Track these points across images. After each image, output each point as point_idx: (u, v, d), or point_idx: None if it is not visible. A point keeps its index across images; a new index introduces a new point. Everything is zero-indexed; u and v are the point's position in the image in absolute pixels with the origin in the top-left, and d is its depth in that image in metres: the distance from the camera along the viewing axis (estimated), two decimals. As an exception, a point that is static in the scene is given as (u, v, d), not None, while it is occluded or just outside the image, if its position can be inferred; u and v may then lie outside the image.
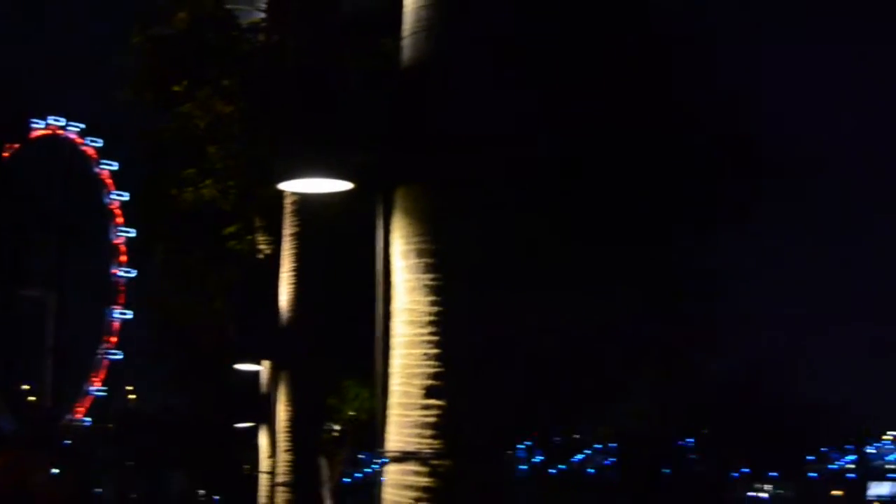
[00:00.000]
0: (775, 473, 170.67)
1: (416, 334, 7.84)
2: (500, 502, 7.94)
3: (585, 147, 22.63)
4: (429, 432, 7.56)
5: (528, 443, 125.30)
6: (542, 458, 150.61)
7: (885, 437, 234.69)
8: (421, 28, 8.05)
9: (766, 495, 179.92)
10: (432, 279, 7.80)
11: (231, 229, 26.50)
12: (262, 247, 25.53)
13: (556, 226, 21.95)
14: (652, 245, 25.74)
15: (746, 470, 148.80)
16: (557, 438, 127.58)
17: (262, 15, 23.24)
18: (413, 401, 7.72)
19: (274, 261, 21.01)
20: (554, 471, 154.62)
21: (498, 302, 8.28)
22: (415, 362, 7.80)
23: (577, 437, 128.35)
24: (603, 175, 23.40)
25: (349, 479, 61.75)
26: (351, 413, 34.51)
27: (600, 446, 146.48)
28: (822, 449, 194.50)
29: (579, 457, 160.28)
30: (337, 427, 37.84)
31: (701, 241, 28.88)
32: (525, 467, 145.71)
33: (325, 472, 33.77)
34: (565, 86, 22.44)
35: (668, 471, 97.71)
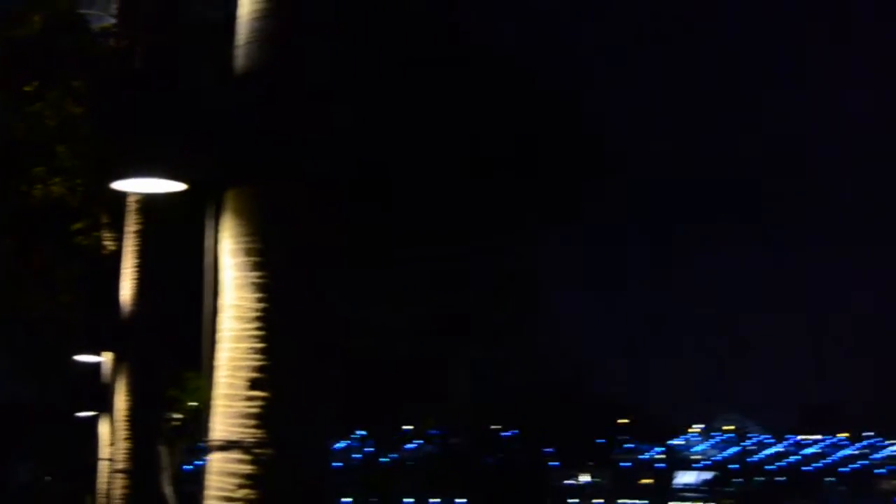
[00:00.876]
0: (591, 463, 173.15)
1: (242, 329, 7.84)
2: (320, 489, 7.96)
3: (405, 153, 22.97)
4: (252, 422, 7.55)
5: (362, 433, 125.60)
6: (372, 448, 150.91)
7: (690, 430, 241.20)
8: (253, 39, 8.10)
9: (583, 481, 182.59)
10: (259, 277, 7.83)
11: (78, 225, 25.97)
12: (107, 243, 25.21)
13: (377, 229, 22.15)
14: (475, 249, 25.49)
15: (555, 463, 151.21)
16: (391, 429, 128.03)
17: (114, 20, 22.77)
18: (238, 392, 7.70)
19: (118, 257, 20.86)
20: (385, 459, 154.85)
21: (322, 300, 8.37)
22: (240, 356, 7.80)
23: (410, 427, 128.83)
24: (425, 180, 23.46)
25: (190, 467, 61.15)
26: (192, 403, 33.70)
27: (431, 434, 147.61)
28: (633, 443, 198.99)
29: (410, 446, 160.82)
30: (178, 416, 37.36)
31: (526, 245, 28.43)
32: (359, 456, 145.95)
33: (164, 459, 33.34)
34: (386, 95, 22.75)
35: (490, 460, 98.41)
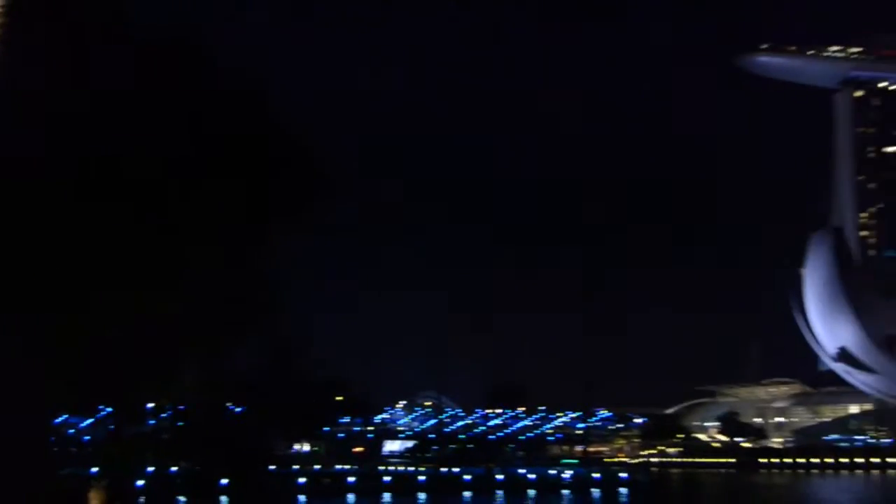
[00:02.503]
0: (310, 434, 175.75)
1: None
2: (39, 461, 9.21)
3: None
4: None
5: (109, 409, 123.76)
6: (113, 423, 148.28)
7: (397, 405, 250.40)
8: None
9: (302, 449, 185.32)
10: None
11: None
12: None
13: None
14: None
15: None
16: (134, 405, 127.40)
17: None
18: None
19: None
20: (130, 433, 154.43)
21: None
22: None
23: (154, 405, 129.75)
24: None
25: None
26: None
27: (169, 413, 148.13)
28: (347, 417, 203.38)
29: (152, 422, 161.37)
30: None
31: (265, 247, 25.92)
32: (112, 427, 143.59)
33: None
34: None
35: (216, 435, 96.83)
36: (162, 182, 20.86)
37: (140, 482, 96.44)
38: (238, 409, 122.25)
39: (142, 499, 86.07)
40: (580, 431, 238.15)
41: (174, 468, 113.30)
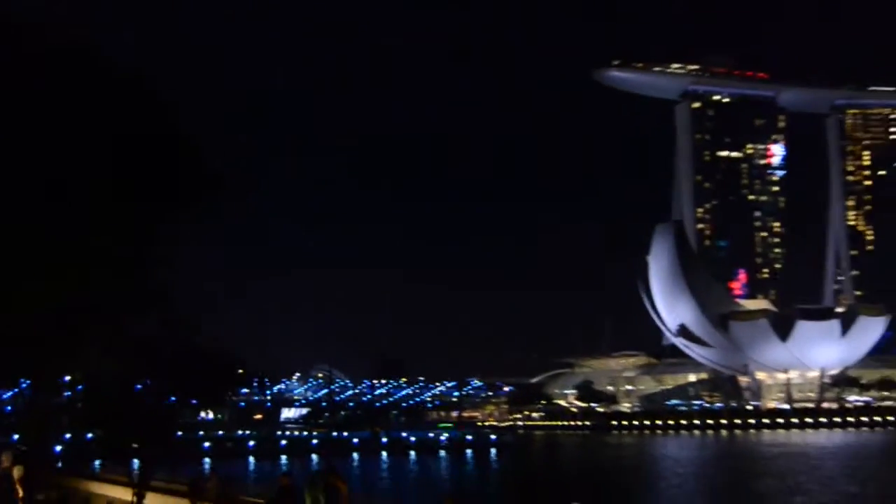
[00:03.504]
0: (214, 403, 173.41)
1: None
2: None
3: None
4: None
5: (28, 381, 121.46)
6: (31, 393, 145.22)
7: (292, 377, 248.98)
8: None
9: (207, 417, 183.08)
10: None
11: None
12: None
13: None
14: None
15: (193, 401, 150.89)
16: (52, 378, 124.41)
17: None
18: None
19: None
20: (48, 403, 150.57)
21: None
22: None
23: (70, 378, 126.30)
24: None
25: None
26: None
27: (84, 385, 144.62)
28: (248, 388, 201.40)
29: (68, 393, 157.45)
30: None
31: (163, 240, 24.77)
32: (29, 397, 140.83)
33: None
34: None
35: (127, 405, 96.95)
36: (64, 181, 19.92)
37: (58, 448, 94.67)
38: (148, 382, 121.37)
39: (59, 463, 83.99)
40: (455, 399, 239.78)
41: (89, 435, 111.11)
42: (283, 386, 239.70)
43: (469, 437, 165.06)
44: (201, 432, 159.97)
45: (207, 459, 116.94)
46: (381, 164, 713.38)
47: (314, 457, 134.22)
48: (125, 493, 38.00)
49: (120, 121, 20.73)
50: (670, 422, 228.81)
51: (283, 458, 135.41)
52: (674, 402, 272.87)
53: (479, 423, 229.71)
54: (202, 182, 21.62)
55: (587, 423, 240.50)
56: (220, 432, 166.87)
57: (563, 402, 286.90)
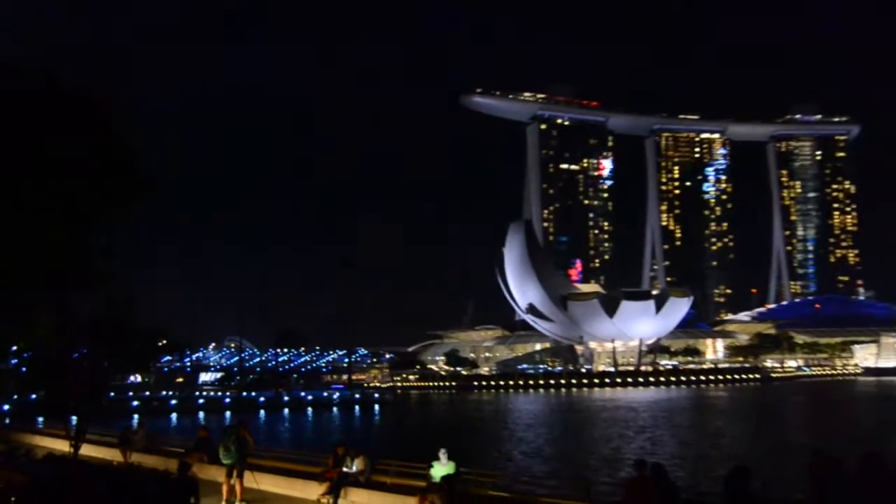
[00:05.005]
0: (141, 368, 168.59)
1: None
2: None
3: None
4: None
5: None
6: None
7: (209, 346, 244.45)
8: None
9: (135, 380, 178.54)
10: None
11: None
12: None
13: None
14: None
15: (124, 367, 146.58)
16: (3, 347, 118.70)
17: None
18: None
19: None
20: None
21: None
22: None
23: (16, 347, 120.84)
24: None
25: None
26: None
27: (29, 353, 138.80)
28: (171, 355, 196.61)
29: (15, 361, 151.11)
30: None
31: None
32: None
33: None
34: None
35: (66, 370, 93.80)
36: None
37: (6, 407, 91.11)
38: (84, 351, 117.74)
39: (7, 420, 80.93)
40: (345, 365, 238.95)
41: (33, 396, 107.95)
42: (200, 354, 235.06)
43: (357, 396, 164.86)
44: (130, 393, 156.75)
45: (136, 416, 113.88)
46: (277, 162, 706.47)
47: (227, 413, 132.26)
48: (64, 445, 36.96)
49: (59, 127, 19.18)
50: (520, 382, 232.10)
51: (201, 414, 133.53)
52: (523, 366, 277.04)
53: (366, 385, 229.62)
54: (136, 183, 20.28)
55: (453, 384, 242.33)
56: (147, 393, 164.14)
57: (434, 367, 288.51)
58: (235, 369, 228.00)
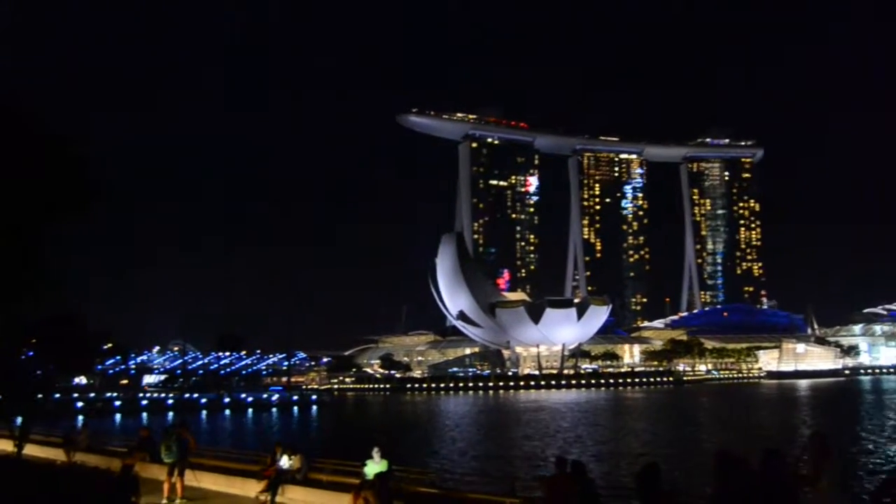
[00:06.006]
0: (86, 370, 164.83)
1: None
2: None
3: None
4: None
5: None
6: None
7: (153, 349, 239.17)
8: None
9: (80, 381, 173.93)
10: None
11: None
12: None
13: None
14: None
15: (69, 369, 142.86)
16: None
17: None
18: None
19: None
20: None
21: None
22: None
23: None
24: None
25: None
26: None
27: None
28: (115, 357, 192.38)
29: None
30: None
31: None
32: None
33: None
34: None
35: (11, 372, 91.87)
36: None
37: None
38: (30, 353, 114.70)
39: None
40: (284, 368, 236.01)
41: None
42: (144, 357, 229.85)
43: (295, 398, 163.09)
44: (75, 394, 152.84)
45: (80, 417, 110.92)
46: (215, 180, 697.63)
47: (170, 414, 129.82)
48: (8, 445, 35.91)
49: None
50: (451, 385, 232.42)
51: (144, 415, 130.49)
52: (454, 369, 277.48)
53: (304, 387, 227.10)
54: (85, 191, 19.65)
55: (388, 386, 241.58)
56: (92, 394, 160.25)
57: (369, 370, 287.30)
58: (179, 372, 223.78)
